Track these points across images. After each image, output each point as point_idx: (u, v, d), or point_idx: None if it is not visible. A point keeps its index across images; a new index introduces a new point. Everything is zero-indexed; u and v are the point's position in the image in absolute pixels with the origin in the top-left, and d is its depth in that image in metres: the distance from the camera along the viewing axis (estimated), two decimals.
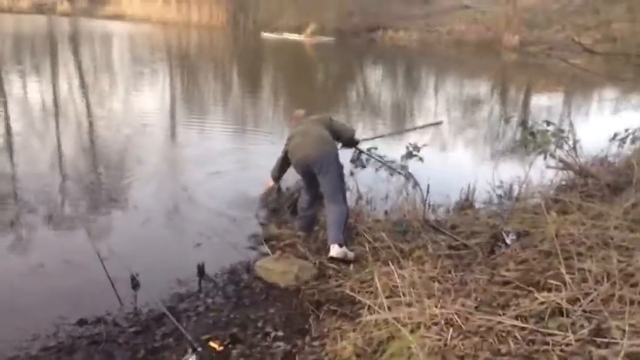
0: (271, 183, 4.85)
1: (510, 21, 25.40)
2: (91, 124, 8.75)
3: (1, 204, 5.05)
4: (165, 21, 28.01)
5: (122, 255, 4.02)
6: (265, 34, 25.85)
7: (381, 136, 6.99)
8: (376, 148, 5.53)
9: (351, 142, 4.95)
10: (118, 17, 28.87)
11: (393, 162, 5.58)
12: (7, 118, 8.55)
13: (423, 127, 7.93)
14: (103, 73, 14.59)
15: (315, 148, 4.25)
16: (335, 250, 3.99)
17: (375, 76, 18.58)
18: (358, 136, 5.12)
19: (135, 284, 3.61)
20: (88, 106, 10.16)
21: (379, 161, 5.50)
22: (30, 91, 11.14)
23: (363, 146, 5.40)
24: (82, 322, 3.26)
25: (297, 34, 25.54)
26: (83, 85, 12.64)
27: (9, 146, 7.07)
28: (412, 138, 7.75)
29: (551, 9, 26.28)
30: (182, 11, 28.80)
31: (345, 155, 4.94)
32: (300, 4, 26.97)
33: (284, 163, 4.58)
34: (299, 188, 4.91)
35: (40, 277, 3.78)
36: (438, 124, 8.31)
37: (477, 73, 19.26)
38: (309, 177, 4.34)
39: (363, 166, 5.49)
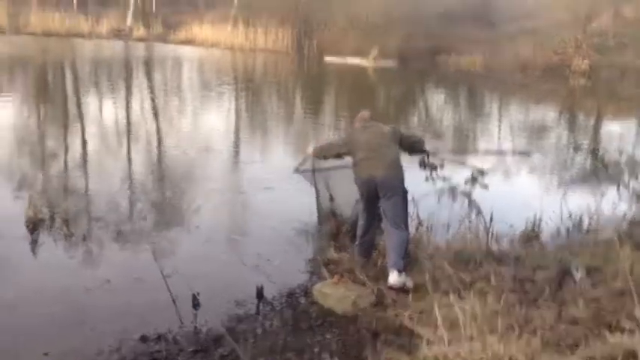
0: (310, 151, 4.89)
1: (579, 45, 24.59)
2: (160, 144, 9.13)
3: (74, 219, 5.32)
4: (233, 46, 28.98)
5: (184, 273, 4.13)
6: (328, 59, 26.22)
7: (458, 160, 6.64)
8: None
9: (421, 152, 4.84)
10: (189, 42, 30.10)
11: (456, 186, 5.45)
12: (82, 138, 9.05)
13: (510, 154, 7.59)
14: (173, 96, 15.20)
15: (385, 170, 4.20)
16: (394, 277, 3.94)
17: (437, 100, 18.40)
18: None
19: (195, 303, 3.69)
20: (157, 127, 10.61)
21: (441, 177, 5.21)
22: (104, 112, 11.76)
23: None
24: (144, 339, 3.35)
25: (359, 58, 25.74)
26: (154, 106, 13.22)
27: (83, 164, 7.48)
28: (477, 164, 7.65)
29: (623, 33, 25.27)
30: (249, 37, 29.66)
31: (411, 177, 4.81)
32: (363, 28, 27.20)
33: (334, 153, 4.63)
34: (356, 213, 4.86)
35: (107, 293, 3.93)
36: (527, 154, 7.97)
37: (543, 98, 18.68)
38: (371, 198, 4.29)
39: (435, 168, 5.01)
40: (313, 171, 5.11)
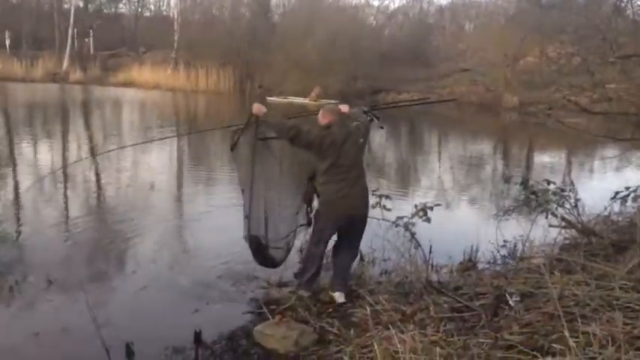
0: (263, 110, 4.20)
1: (509, 82, 25.97)
2: (96, 188, 8.85)
3: (2, 268, 5.02)
4: (175, 88, 28.76)
5: (119, 322, 3.97)
6: (271, 99, 26.46)
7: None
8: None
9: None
10: (128, 84, 29.68)
11: (401, 218, 5.47)
12: (13, 183, 8.66)
13: (438, 101, 8.15)
14: (111, 138, 14.85)
15: (364, 207, 4.26)
16: (342, 297, 4.20)
17: (377, 136, 18.81)
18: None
19: (129, 353, 3.52)
20: (94, 170, 10.29)
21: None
22: (38, 155, 11.34)
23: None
24: None
25: (302, 98, 26.12)
26: (91, 149, 12.85)
27: (15, 210, 7.12)
28: (418, 197, 7.83)
29: (550, 70, 26.88)
30: (190, 78, 29.61)
31: None
32: (304, 68, 27.70)
33: (303, 141, 4.04)
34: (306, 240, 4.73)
35: (35, 347, 3.71)
36: (454, 100, 8.69)
37: (478, 132, 19.49)
38: (338, 229, 4.28)
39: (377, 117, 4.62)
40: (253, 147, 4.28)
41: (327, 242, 4.36)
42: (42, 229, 6.32)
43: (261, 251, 4.47)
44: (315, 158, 4.14)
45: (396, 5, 40.66)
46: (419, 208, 5.34)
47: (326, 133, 4.06)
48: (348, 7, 36.97)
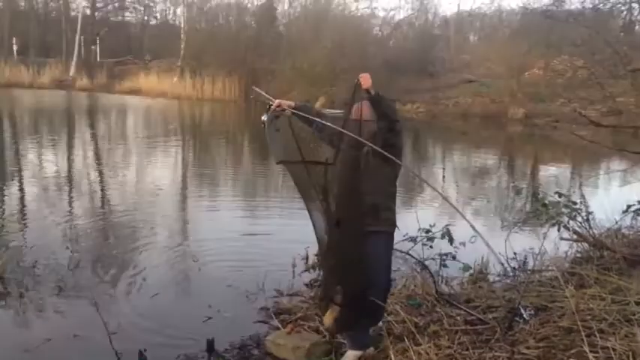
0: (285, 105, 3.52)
1: (514, 94, 26.01)
2: (104, 194, 8.86)
3: (11, 275, 5.01)
4: (180, 96, 28.86)
5: (130, 329, 3.95)
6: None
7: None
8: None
9: None
10: (134, 92, 29.80)
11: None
12: (20, 190, 8.68)
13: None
14: (118, 144, 14.91)
15: None
16: None
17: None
18: None
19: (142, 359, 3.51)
20: (101, 176, 10.32)
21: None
22: (45, 162, 11.36)
23: None
24: None
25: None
26: (97, 155, 12.90)
27: (22, 216, 7.13)
28: (420, 209, 7.81)
29: (556, 83, 26.90)
30: (196, 86, 29.73)
31: None
32: (310, 77, 27.81)
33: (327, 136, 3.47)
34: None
35: (46, 353, 3.70)
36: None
37: (483, 144, 19.49)
38: None
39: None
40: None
41: None
42: (51, 235, 6.31)
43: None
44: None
45: (402, 16, 40.74)
46: (443, 231, 5.23)
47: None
48: (354, 17, 37.18)
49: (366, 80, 3.42)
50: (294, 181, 3.53)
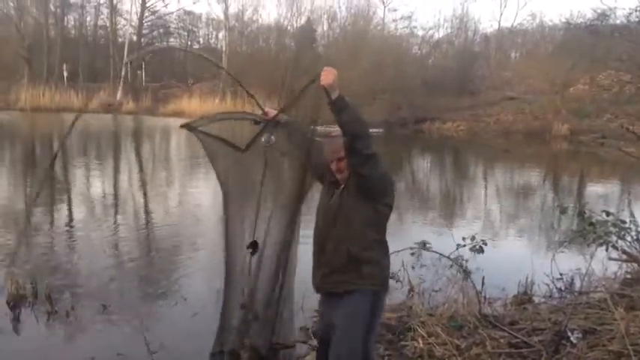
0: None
1: (558, 110, 25.44)
2: (147, 214, 9.08)
3: (57, 294, 5.17)
4: None
5: (172, 349, 4.00)
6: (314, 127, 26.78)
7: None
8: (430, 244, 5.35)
9: None
10: (178, 114, 30.55)
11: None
12: (68, 211, 8.98)
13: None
14: (161, 166, 15.30)
15: None
16: None
17: (423, 165, 18.68)
18: None
19: None
20: (145, 197, 10.59)
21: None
22: (91, 185, 11.75)
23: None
24: None
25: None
26: (141, 176, 13.25)
27: (69, 236, 7.36)
28: (464, 228, 7.68)
29: (602, 98, 26.23)
30: (237, 108, 30.29)
31: None
32: (349, 97, 27.91)
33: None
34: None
35: None
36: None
37: (527, 161, 19.07)
38: None
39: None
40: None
41: None
42: (97, 254, 6.49)
43: None
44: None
45: (441, 34, 40.61)
46: (475, 245, 5.15)
47: None
48: (393, 36, 37.33)
49: (327, 76, 2.53)
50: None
